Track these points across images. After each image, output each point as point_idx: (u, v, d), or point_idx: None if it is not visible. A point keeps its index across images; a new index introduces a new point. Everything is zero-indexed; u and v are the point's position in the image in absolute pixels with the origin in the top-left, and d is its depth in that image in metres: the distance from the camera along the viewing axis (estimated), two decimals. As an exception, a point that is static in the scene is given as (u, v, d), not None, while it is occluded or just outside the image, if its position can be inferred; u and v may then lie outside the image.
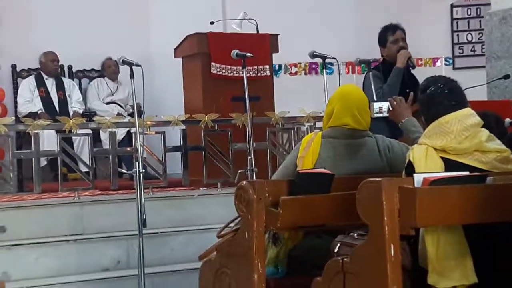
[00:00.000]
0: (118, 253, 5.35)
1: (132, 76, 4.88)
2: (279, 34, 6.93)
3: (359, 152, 3.91)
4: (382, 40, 5.55)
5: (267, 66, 6.79)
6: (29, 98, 7.63)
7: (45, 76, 7.76)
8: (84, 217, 5.50)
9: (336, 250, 3.26)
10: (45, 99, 7.64)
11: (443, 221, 2.84)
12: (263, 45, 6.78)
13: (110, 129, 5.96)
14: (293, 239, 3.73)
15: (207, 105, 6.48)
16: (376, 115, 4.13)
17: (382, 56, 5.60)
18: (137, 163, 4.80)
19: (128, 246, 5.34)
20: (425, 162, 3.09)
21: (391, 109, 4.18)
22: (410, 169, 3.09)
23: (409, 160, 3.15)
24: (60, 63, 8.04)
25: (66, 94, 7.77)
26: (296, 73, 9.20)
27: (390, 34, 5.51)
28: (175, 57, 6.95)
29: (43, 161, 6.71)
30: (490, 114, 3.91)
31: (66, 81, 7.95)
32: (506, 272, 3.01)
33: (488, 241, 2.98)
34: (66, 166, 5.97)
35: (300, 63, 9.13)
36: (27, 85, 7.73)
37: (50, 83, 7.74)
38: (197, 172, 6.26)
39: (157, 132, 6.16)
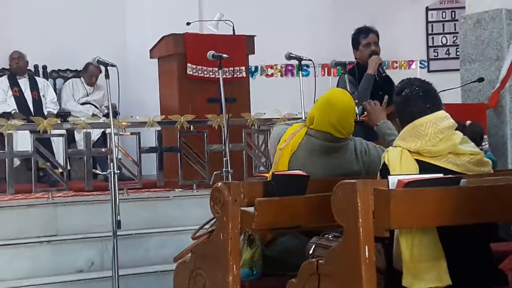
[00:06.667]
0: (92, 254, 5.32)
1: (107, 76, 4.85)
2: (255, 36, 6.93)
3: (336, 154, 3.92)
4: (355, 42, 5.56)
5: (243, 68, 6.79)
6: (2, 98, 7.56)
7: (18, 76, 7.69)
8: (58, 218, 5.46)
9: (311, 251, 3.26)
10: (19, 99, 7.57)
11: (418, 223, 2.85)
12: (239, 46, 6.78)
13: (84, 130, 5.92)
14: (262, 239, 3.72)
15: (183, 106, 6.47)
16: None
17: (355, 58, 5.62)
18: (112, 164, 4.78)
19: (102, 247, 5.31)
20: (400, 164, 3.11)
21: (365, 113, 4.20)
22: (385, 171, 3.10)
23: (384, 162, 3.16)
24: (34, 63, 7.99)
25: (40, 94, 7.71)
26: (272, 74, 9.22)
27: (362, 37, 5.52)
28: (151, 57, 6.93)
29: (17, 162, 6.65)
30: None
31: (40, 81, 7.89)
32: (479, 274, 3.04)
33: (462, 243, 3.00)
34: (48, 162, 5.91)
35: (276, 64, 9.15)
36: (0, 85, 7.65)
37: (24, 83, 7.67)
38: (173, 174, 6.24)
39: (132, 133, 6.13)
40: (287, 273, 3.24)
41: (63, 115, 7.61)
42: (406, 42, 9.26)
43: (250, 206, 3.33)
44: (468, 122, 5.17)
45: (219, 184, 3.40)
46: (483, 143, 5.76)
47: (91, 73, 7.97)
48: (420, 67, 9.53)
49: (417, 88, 3.28)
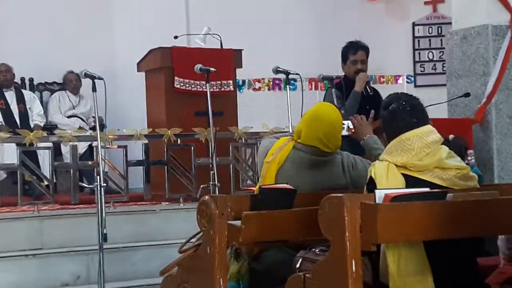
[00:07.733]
0: (78, 268, 5.29)
1: (94, 89, 4.85)
2: (243, 50, 6.94)
3: (323, 168, 3.93)
4: (344, 56, 5.58)
5: (231, 81, 6.80)
6: (-12, 111, 7.53)
7: (4, 89, 7.66)
8: (44, 232, 5.43)
9: (298, 265, 3.25)
10: (5, 111, 7.54)
11: (404, 237, 2.85)
12: (227, 60, 6.79)
13: (71, 143, 5.90)
14: (249, 253, 3.71)
15: (170, 120, 6.46)
16: None
17: (343, 71, 5.64)
18: (98, 177, 4.77)
19: (88, 261, 5.28)
20: (386, 178, 3.11)
21: (350, 127, 4.21)
22: (372, 185, 3.11)
23: (371, 176, 3.17)
24: (21, 76, 7.96)
25: (27, 107, 7.68)
26: (259, 88, 9.22)
27: (351, 53, 5.54)
28: (138, 71, 6.92)
29: (2, 174, 6.62)
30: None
31: (27, 93, 7.86)
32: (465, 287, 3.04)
33: (448, 257, 3.00)
34: (34, 174, 5.87)
35: (263, 78, 9.16)
36: (-14, 97, 7.62)
37: (10, 96, 7.64)
38: (159, 187, 6.22)
39: (119, 146, 6.12)
40: (274, 287, 3.23)
41: (50, 128, 7.58)
42: (393, 57, 9.30)
43: (237, 220, 3.32)
44: (451, 136, 5.19)
45: (206, 197, 3.40)
46: (470, 158, 5.78)
47: (69, 81, 7.95)
48: (407, 82, 9.57)
49: (403, 103, 3.30)
